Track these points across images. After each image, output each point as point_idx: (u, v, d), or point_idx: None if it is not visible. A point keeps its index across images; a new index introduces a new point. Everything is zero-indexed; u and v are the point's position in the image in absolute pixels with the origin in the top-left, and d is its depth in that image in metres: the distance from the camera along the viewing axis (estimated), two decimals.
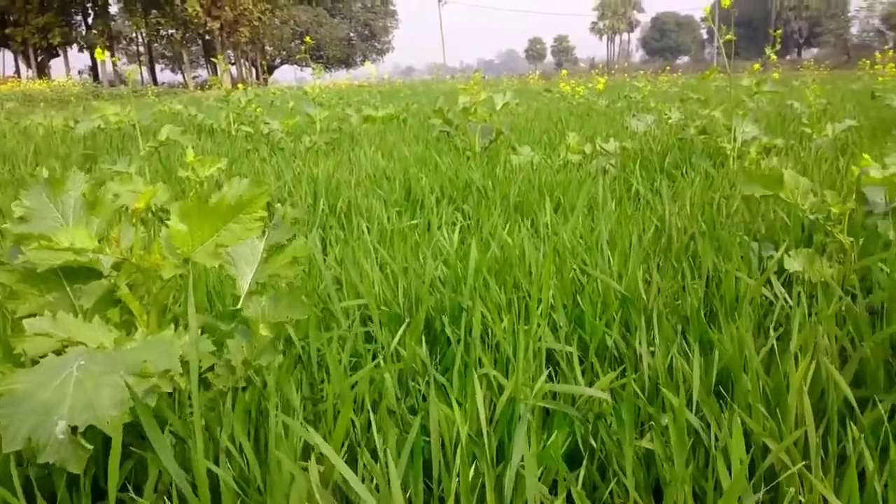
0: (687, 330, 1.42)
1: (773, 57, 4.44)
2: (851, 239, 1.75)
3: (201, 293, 1.62)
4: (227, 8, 45.28)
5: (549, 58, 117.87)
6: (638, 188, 3.08)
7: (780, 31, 3.86)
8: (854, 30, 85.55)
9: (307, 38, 6.24)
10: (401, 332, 1.38)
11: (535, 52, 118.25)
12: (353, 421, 1.19)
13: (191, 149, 2.87)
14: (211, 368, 1.22)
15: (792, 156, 3.85)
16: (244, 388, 1.12)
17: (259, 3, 47.17)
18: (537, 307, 1.57)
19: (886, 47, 14.71)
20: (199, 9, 44.29)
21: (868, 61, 12.61)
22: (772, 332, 1.27)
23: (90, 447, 0.86)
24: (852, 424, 0.92)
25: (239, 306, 1.27)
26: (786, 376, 0.97)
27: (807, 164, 3.60)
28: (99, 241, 1.10)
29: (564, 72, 13.17)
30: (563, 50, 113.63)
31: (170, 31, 53.82)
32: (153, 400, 0.92)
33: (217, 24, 46.29)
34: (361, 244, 1.99)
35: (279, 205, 2.15)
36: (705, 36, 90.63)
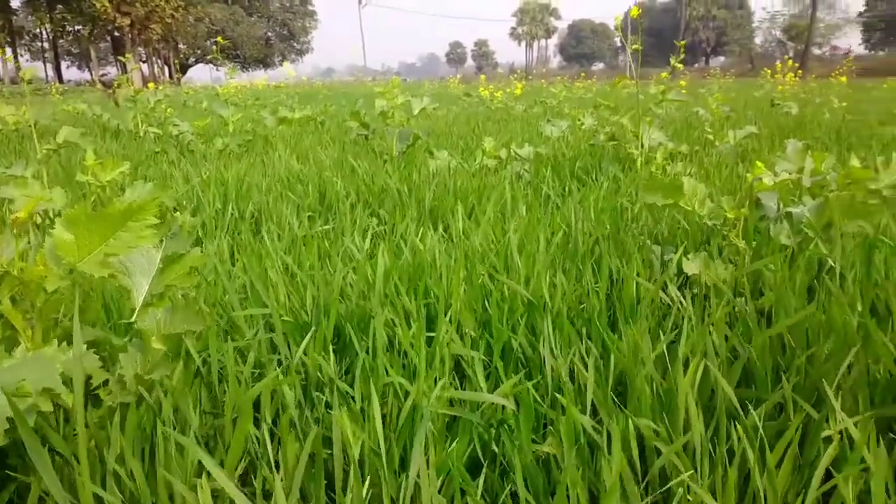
0: (590, 333, 1.45)
1: (679, 66, 4.61)
2: (744, 244, 1.83)
3: (97, 305, 1.55)
4: (137, 4, 43.55)
5: (470, 62, 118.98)
6: (549, 193, 3.14)
7: (684, 42, 4.01)
8: (758, 40, 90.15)
9: (219, 39, 6.07)
10: (305, 341, 1.35)
11: (455, 56, 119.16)
12: (255, 434, 1.17)
13: (91, 152, 2.74)
14: (105, 384, 1.17)
15: (696, 161, 4.02)
16: (137, 405, 1.07)
17: (172, 0, 45.60)
18: (446, 313, 1.58)
19: (786, 57, 15.55)
20: (107, 4, 42.45)
21: (769, 70, 13.29)
22: (666, 335, 1.31)
23: None
24: (737, 424, 0.96)
25: (133, 319, 1.22)
26: (675, 380, 1.01)
27: (709, 169, 3.76)
28: None
29: (483, 77, 13.31)
30: (483, 54, 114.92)
31: (77, 27, 51.41)
32: (32, 420, 0.87)
33: (127, 21, 44.47)
34: (269, 251, 1.95)
35: (178, 213, 2.07)
36: (619, 44, 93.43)
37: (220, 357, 1.27)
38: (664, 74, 7.71)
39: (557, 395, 1.04)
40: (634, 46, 3.80)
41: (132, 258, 1.27)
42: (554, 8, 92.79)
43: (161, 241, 1.32)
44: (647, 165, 3.75)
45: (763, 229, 2.25)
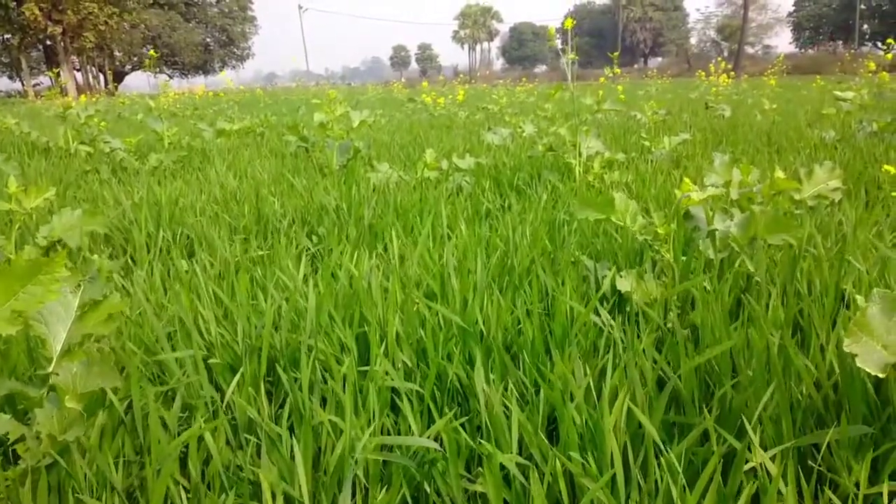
0: (523, 362, 1.45)
1: (618, 71, 4.70)
2: (673, 259, 1.87)
3: (17, 352, 1.48)
4: (69, 12, 42.11)
5: (414, 65, 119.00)
6: (489, 207, 3.15)
7: (617, 53, 4.08)
8: (693, 40, 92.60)
9: (151, 52, 5.91)
10: (234, 381, 1.32)
11: (399, 59, 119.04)
12: (183, 483, 1.13)
13: (13, 177, 2.63)
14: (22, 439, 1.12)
15: (632, 168, 4.09)
16: (50, 465, 1.03)
17: (105, 7, 44.22)
18: (383, 340, 1.56)
19: (720, 59, 16.01)
20: (38, 13, 40.93)
21: (703, 73, 13.68)
22: (598, 359, 1.33)
23: None
24: (660, 458, 0.97)
25: (51, 369, 1.17)
26: (601, 415, 1.02)
27: (645, 176, 3.84)
28: None
29: (425, 83, 13.33)
30: (427, 58, 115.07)
31: (5, 36, 49.49)
32: None
33: (59, 29, 42.99)
34: (201, 281, 1.90)
35: (95, 256, 2.00)
36: (560, 46, 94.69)
37: (144, 404, 1.23)
38: (602, 79, 7.85)
39: (483, 441, 1.03)
40: (571, 56, 3.85)
41: (48, 305, 1.22)
42: (495, 11, 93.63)
43: (79, 285, 1.28)
44: (585, 174, 3.80)
45: (695, 240, 2.31)
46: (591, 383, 1.16)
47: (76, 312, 1.22)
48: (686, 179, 1.97)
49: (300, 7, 66.52)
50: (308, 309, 1.55)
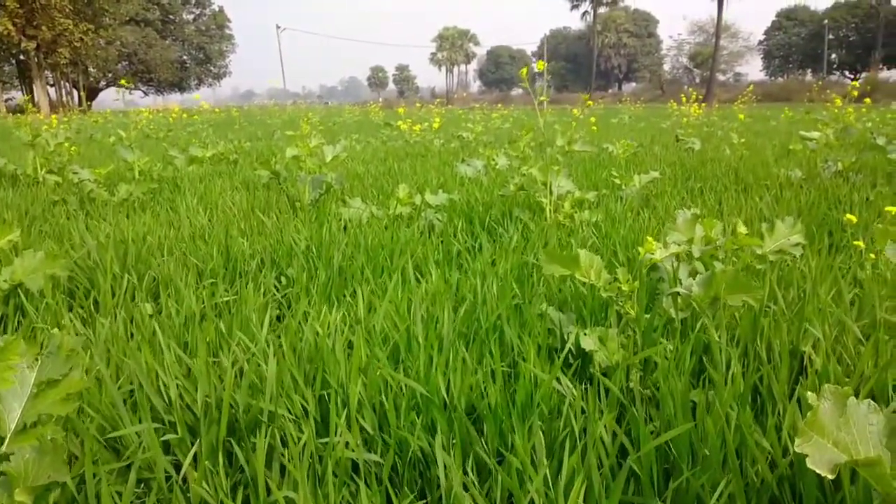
0: (487, 429, 1.45)
1: (590, 103, 4.76)
2: (636, 315, 1.89)
3: None
4: (44, 27, 41.75)
5: (392, 86, 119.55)
6: (459, 248, 3.16)
7: (588, 96, 4.13)
8: (666, 66, 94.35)
9: (122, 81, 5.86)
10: (189, 457, 1.30)
11: (377, 79, 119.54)
12: None
13: None
14: None
15: (602, 207, 4.13)
16: None
17: (80, 24, 43.93)
18: (345, 406, 1.55)
19: (690, 89, 16.31)
20: (11, 28, 40.52)
21: (675, 103, 13.90)
22: (559, 435, 1.33)
23: None
24: None
25: (3, 449, 1.14)
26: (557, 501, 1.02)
27: (615, 216, 3.88)
28: None
29: (401, 109, 13.38)
30: (404, 79, 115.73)
31: None
32: None
33: (33, 45, 42.58)
34: (161, 340, 1.87)
35: (56, 330, 1.97)
36: (536, 70, 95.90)
37: (97, 484, 1.21)
38: (575, 111, 7.94)
39: None
40: (541, 98, 3.90)
41: None
42: (473, 34, 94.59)
43: (36, 359, 1.25)
44: (556, 214, 3.83)
45: (660, 292, 2.33)
46: (548, 471, 1.16)
47: (32, 389, 1.20)
48: (649, 238, 1.99)
49: (278, 27, 66.64)
50: (268, 375, 1.53)
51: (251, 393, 1.59)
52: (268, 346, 1.90)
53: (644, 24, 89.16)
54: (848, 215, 2.98)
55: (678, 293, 1.87)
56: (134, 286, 2.68)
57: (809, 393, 0.94)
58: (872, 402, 0.97)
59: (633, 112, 21.49)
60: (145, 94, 66.97)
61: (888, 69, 69.12)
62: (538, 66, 3.73)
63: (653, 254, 1.93)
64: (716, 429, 1.20)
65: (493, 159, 5.95)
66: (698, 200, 4.50)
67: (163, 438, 1.40)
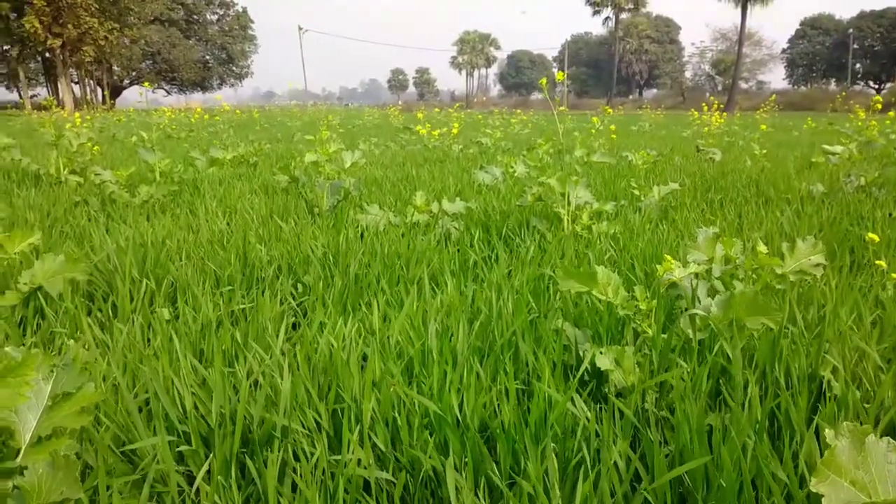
0: (500, 449, 1.45)
1: (609, 111, 4.74)
2: (654, 336, 1.87)
3: None
4: (70, 26, 42.30)
5: (412, 88, 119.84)
6: (476, 259, 3.15)
7: (608, 107, 4.11)
8: (688, 73, 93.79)
9: (146, 83, 5.92)
10: (203, 469, 1.31)
11: (397, 82, 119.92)
12: None
13: None
14: None
15: (621, 218, 4.11)
16: None
17: (106, 23, 44.46)
18: (358, 421, 1.55)
19: (712, 98, 16.20)
20: (37, 25, 41.09)
21: (696, 112, 13.80)
22: (573, 458, 1.32)
23: None
24: None
25: (18, 461, 1.15)
26: None
27: (633, 228, 3.86)
28: None
29: (420, 114, 13.40)
30: (424, 81, 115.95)
31: (5, 48, 49.70)
32: None
33: (58, 42, 43.14)
34: (178, 348, 1.89)
35: (71, 341, 1.99)
36: (556, 79, 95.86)
37: (110, 497, 1.21)
38: (595, 119, 7.91)
39: None
40: (560, 108, 3.89)
41: None
42: (493, 39, 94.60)
43: (52, 371, 1.26)
44: (573, 225, 3.82)
45: (677, 310, 2.31)
46: (560, 500, 1.15)
47: (47, 402, 1.21)
48: (668, 257, 1.98)
49: (300, 28, 67.05)
50: (283, 389, 1.53)
51: (265, 406, 1.60)
52: (283, 355, 1.91)
53: (666, 31, 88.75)
54: (870, 234, 2.94)
55: (697, 314, 1.85)
56: (152, 291, 2.71)
57: (828, 431, 0.93)
58: (892, 441, 0.95)
59: (654, 119, 21.35)
60: (168, 93, 67.65)
61: None
62: (558, 76, 3.71)
63: (672, 273, 1.91)
64: (732, 459, 1.18)
65: (512, 166, 5.94)
66: (718, 213, 4.46)
67: (177, 450, 1.41)
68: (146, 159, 5.09)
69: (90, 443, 1.45)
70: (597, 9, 75.53)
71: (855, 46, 71.85)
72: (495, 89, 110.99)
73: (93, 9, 42.72)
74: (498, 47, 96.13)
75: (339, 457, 1.38)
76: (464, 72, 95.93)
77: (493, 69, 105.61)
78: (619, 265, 3.13)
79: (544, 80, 3.79)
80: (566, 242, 3.48)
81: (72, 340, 1.95)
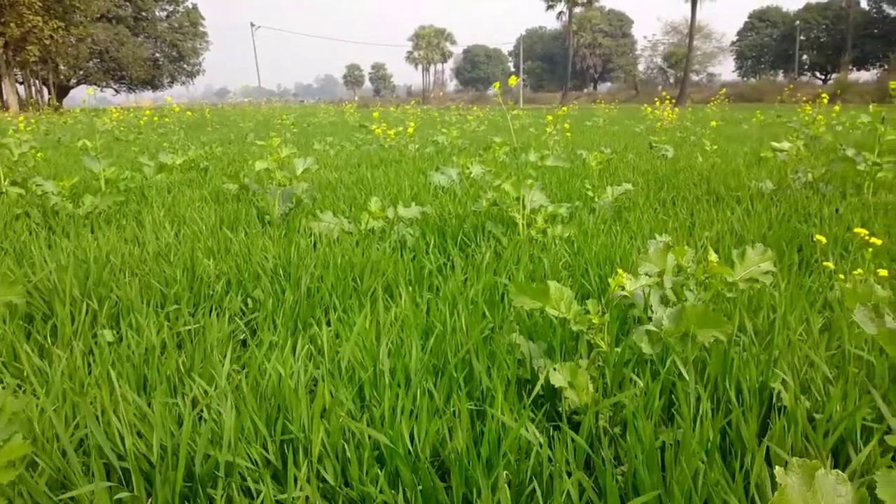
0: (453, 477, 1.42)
1: (565, 110, 4.74)
2: (607, 348, 1.86)
3: None
4: (12, 24, 40.89)
5: (368, 84, 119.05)
6: (430, 268, 3.12)
7: (564, 108, 4.11)
8: (641, 67, 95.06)
9: (88, 90, 5.74)
10: None
11: (353, 78, 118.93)
12: None
13: None
14: None
15: (576, 221, 4.11)
16: None
17: (51, 21, 43.09)
18: (304, 461, 1.50)
19: (664, 92, 16.43)
20: None
21: (649, 107, 13.95)
22: (519, 476, 1.29)
23: None
24: None
25: None
26: None
27: (588, 230, 3.87)
28: None
29: (375, 114, 13.30)
30: (380, 77, 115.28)
31: None
32: None
33: (1, 42, 41.74)
34: (116, 384, 1.81)
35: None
36: (512, 69, 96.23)
37: None
38: (549, 118, 7.93)
39: None
40: (514, 111, 3.87)
41: None
42: (449, 33, 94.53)
43: None
44: (528, 228, 3.81)
45: (630, 319, 2.31)
46: None
47: None
48: (620, 271, 1.97)
49: (252, 24, 66.01)
50: (227, 424, 1.48)
51: (210, 439, 1.54)
52: (229, 382, 1.85)
53: (619, 25, 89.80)
54: (818, 236, 2.99)
55: (650, 329, 1.84)
56: (94, 311, 2.61)
57: (777, 469, 0.92)
58: (841, 473, 0.95)
59: (608, 114, 21.58)
60: (117, 91, 65.96)
61: (857, 70, 70.38)
62: (510, 81, 3.70)
63: (623, 288, 1.90)
64: (682, 490, 1.17)
65: (468, 167, 5.92)
66: (670, 213, 4.51)
67: (116, 497, 1.34)
68: (91, 168, 4.93)
69: (21, 494, 1.37)
70: (550, 3, 75.97)
71: (802, 38, 73.72)
72: (452, 84, 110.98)
73: (36, 7, 41.37)
74: (454, 42, 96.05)
75: (284, 496, 1.34)
76: (420, 67, 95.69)
77: (450, 64, 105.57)
78: (574, 269, 3.13)
79: (497, 84, 3.78)
80: (522, 248, 3.47)
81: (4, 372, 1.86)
